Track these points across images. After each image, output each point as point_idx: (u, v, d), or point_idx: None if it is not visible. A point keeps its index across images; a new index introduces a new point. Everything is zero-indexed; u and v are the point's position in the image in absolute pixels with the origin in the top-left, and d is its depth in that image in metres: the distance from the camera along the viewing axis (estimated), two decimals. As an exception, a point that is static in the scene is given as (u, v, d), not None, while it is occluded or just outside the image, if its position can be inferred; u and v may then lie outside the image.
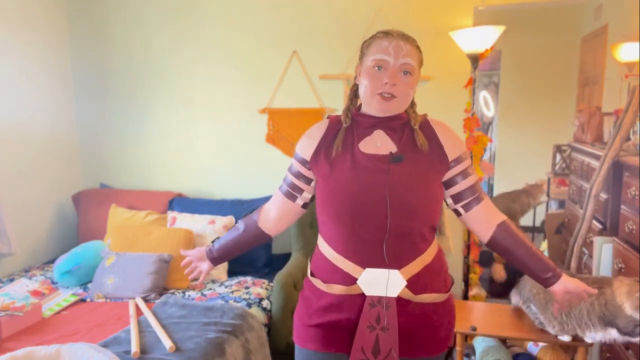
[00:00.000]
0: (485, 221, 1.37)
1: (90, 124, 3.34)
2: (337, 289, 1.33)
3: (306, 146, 1.39)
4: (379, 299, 1.29)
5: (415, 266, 1.30)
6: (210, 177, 3.21)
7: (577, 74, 2.62)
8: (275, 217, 1.49)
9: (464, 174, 1.34)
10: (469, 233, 2.69)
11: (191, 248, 2.68)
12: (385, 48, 1.26)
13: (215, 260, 1.59)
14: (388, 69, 1.26)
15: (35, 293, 2.32)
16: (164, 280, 2.55)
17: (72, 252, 2.69)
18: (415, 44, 1.31)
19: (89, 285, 2.61)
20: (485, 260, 2.83)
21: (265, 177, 3.11)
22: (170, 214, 2.89)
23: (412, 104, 1.38)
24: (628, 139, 2.21)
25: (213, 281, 2.70)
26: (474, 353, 2.30)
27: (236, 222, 1.58)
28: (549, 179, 2.76)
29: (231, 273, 2.77)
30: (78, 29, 3.26)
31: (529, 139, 2.79)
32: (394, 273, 1.28)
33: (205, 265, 1.61)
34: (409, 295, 1.30)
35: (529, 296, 2.13)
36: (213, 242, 1.60)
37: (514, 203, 2.80)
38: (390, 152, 1.30)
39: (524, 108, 2.74)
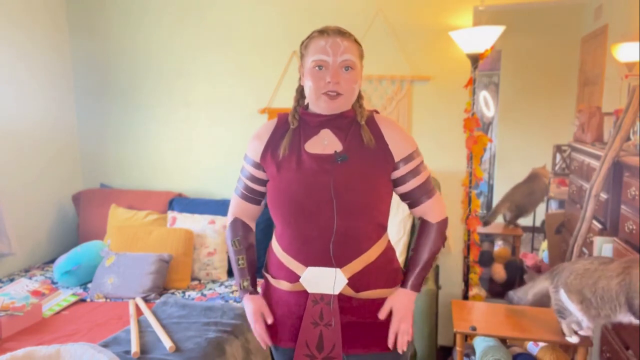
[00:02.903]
0: (423, 214, 1.43)
1: (90, 124, 3.34)
2: (284, 285, 1.37)
3: (255, 148, 1.40)
4: (322, 296, 1.33)
5: (358, 264, 1.32)
6: (210, 177, 3.21)
7: (577, 74, 2.62)
8: (252, 220, 1.53)
9: (415, 172, 1.36)
10: (469, 233, 2.69)
11: (191, 248, 2.68)
12: (322, 48, 1.27)
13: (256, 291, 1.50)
14: (329, 68, 1.27)
15: (35, 293, 2.32)
16: (164, 280, 2.55)
17: (72, 252, 2.70)
18: (353, 38, 1.32)
19: (89, 285, 2.61)
20: (485, 260, 2.83)
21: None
22: (170, 214, 2.89)
23: (359, 98, 1.38)
24: (628, 139, 2.21)
25: (213, 281, 2.70)
26: (474, 353, 2.30)
27: (234, 249, 1.49)
28: (549, 179, 2.76)
29: (231, 273, 2.77)
30: (78, 30, 3.26)
31: (529, 139, 2.79)
32: (336, 271, 1.31)
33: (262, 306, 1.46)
34: (350, 292, 1.33)
35: (564, 282, 2.08)
36: (244, 286, 1.46)
37: (531, 196, 2.78)
38: (335, 151, 1.31)
39: (524, 108, 2.74)
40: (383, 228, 1.39)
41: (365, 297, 1.34)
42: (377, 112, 1.42)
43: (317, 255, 1.31)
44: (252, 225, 1.54)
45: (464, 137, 2.64)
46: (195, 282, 2.68)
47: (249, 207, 1.49)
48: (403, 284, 1.40)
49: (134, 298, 2.40)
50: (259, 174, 1.42)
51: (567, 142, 2.67)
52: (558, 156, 2.71)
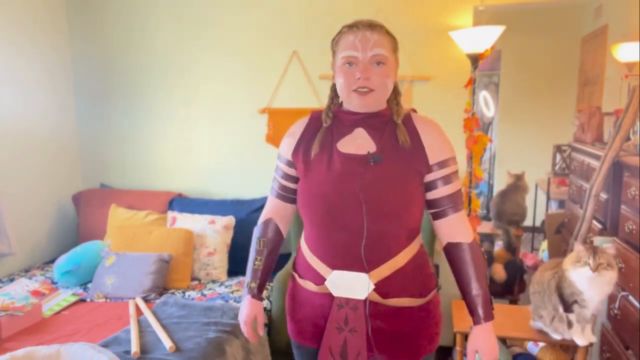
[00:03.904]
0: (449, 234, 1.31)
1: (90, 124, 3.34)
2: (310, 286, 1.34)
3: (287, 146, 1.37)
4: (347, 300, 1.28)
5: (385, 270, 1.26)
6: (210, 177, 3.21)
7: (577, 74, 2.62)
8: (287, 222, 1.49)
9: (447, 179, 1.27)
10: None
11: (191, 248, 2.68)
12: (352, 43, 1.23)
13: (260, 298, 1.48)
14: (358, 64, 1.22)
15: (35, 293, 2.32)
16: (164, 280, 2.55)
17: (72, 252, 2.70)
18: (384, 30, 1.27)
19: (89, 285, 2.61)
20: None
21: (265, 177, 3.10)
22: (170, 214, 2.89)
23: (396, 95, 1.32)
24: (628, 139, 2.21)
25: (213, 281, 2.70)
26: (474, 353, 2.30)
27: (256, 248, 1.46)
28: (549, 179, 2.76)
29: (231, 273, 2.77)
30: (78, 30, 3.25)
31: (528, 139, 2.79)
32: (362, 276, 1.25)
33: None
34: (377, 298, 1.27)
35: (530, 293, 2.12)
36: (251, 287, 1.44)
37: (524, 201, 2.80)
38: (368, 152, 1.26)
39: (524, 108, 2.74)
40: (415, 232, 1.31)
41: (393, 305, 1.28)
42: (414, 110, 1.36)
43: (344, 258, 1.26)
44: (284, 231, 1.48)
45: (464, 137, 2.64)
46: (195, 282, 2.68)
47: (285, 207, 1.45)
48: (476, 321, 1.30)
49: (134, 298, 2.40)
50: (292, 172, 1.38)
51: (567, 142, 2.67)
52: (558, 156, 2.71)
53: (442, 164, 1.27)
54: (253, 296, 1.43)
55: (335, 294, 1.29)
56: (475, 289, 1.28)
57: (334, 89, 1.34)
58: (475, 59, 2.52)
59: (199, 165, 3.22)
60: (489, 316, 1.29)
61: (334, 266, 1.28)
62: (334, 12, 2.88)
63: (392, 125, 1.29)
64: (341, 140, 1.30)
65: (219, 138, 3.16)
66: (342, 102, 1.34)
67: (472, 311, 1.30)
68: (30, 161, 3.00)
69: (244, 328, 1.44)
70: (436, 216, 1.31)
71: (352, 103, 1.26)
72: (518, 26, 2.62)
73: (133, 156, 3.31)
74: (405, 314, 1.30)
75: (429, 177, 1.28)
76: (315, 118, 1.37)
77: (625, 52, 2.32)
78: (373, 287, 1.26)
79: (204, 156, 3.20)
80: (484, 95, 2.80)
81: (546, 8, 2.63)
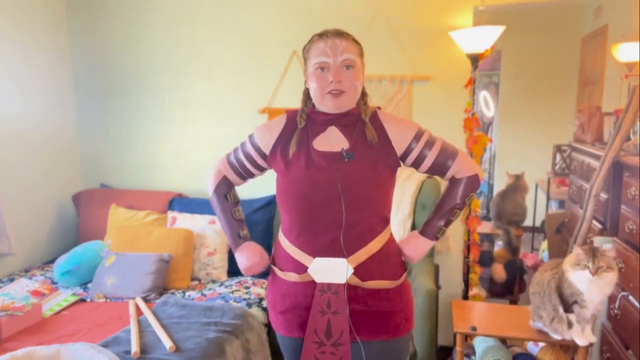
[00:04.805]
0: (457, 173, 1.45)
1: (90, 124, 3.34)
2: (292, 277, 1.43)
3: (266, 139, 1.47)
4: (329, 285, 1.39)
5: (362, 255, 1.38)
6: (210, 177, 3.21)
7: (577, 74, 2.62)
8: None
9: (429, 144, 1.41)
10: (469, 233, 2.69)
11: (191, 248, 2.68)
12: (323, 50, 1.34)
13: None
14: (330, 69, 1.34)
15: (35, 293, 2.32)
16: (164, 280, 2.55)
17: (72, 252, 2.70)
18: (352, 37, 1.38)
19: (89, 285, 2.61)
20: (485, 260, 2.83)
21: (265, 177, 3.08)
22: (170, 214, 2.89)
23: (363, 96, 1.44)
24: (628, 139, 2.21)
25: (213, 281, 2.70)
26: (474, 353, 2.30)
27: (227, 204, 1.60)
28: (549, 179, 2.76)
29: (231, 273, 2.77)
30: (78, 29, 3.25)
31: (528, 139, 2.79)
32: (342, 261, 1.37)
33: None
34: (356, 281, 1.39)
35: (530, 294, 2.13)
36: (243, 234, 1.59)
37: (524, 201, 2.80)
38: (342, 149, 1.37)
39: (524, 108, 2.74)
40: (386, 221, 1.44)
41: (370, 287, 1.40)
42: (379, 108, 1.47)
43: (324, 246, 1.37)
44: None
45: (464, 137, 2.64)
46: (195, 282, 2.68)
47: (235, 178, 1.59)
48: (420, 232, 1.50)
49: (134, 298, 2.40)
50: (260, 161, 1.50)
51: (567, 142, 2.67)
52: (558, 156, 2.71)
53: (416, 138, 1.40)
54: (252, 240, 1.57)
55: (317, 280, 1.39)
56: (439, 213, 1.47)
57: (306, 93, 1.46)
58: (475, 59, 2.52)
59: (199, 165, 3.22)
60: (428, 235, 1.49)
61: (314, 254, 1.38)
62: (335, 13, 2.88)
63: (361, 123, 1.42)
64: (316, 139, 1.41)
65: (218, 138, 3.16)
66: (313, 103, 1.44)
67: (423, 226, 1.50)
68: (30, 161, 3.00)
69: (250, 272, 1.53)
70: (443, 173, 1.46)
71: (325, 105, 1.37)
72: (518, 26, 2.62)
73: (133, 156, 3.31)
74: (382, 295, 1.42)
75: (414, 154, 1.41)
76: (292, 119, 1.47)
77: (625, 52, 2.32)
78: (352, 271, 1.37)
79: (203, 156, 3.20)
80: (484, 95, 2.80)
81: (546, 8, 2.63)
